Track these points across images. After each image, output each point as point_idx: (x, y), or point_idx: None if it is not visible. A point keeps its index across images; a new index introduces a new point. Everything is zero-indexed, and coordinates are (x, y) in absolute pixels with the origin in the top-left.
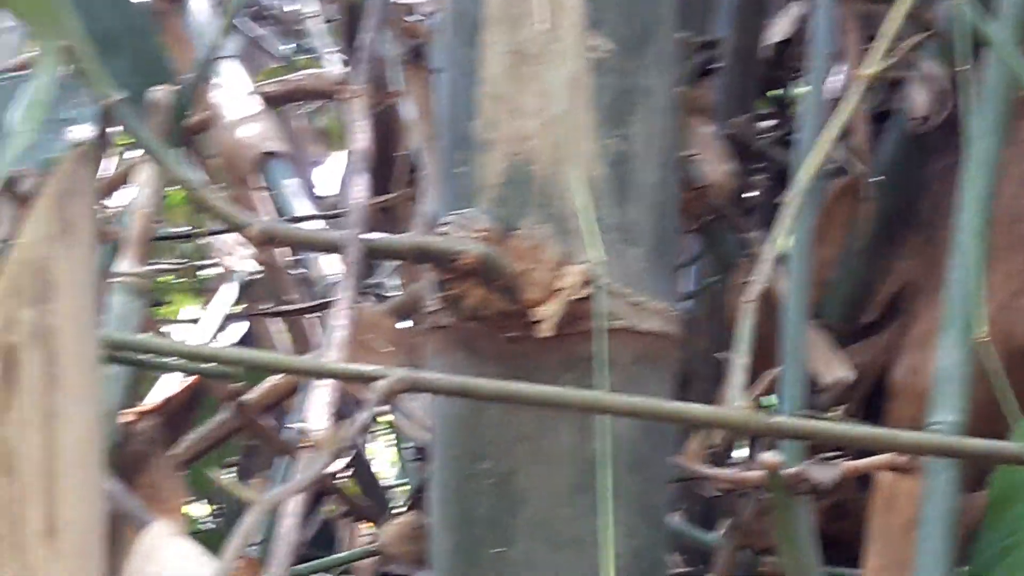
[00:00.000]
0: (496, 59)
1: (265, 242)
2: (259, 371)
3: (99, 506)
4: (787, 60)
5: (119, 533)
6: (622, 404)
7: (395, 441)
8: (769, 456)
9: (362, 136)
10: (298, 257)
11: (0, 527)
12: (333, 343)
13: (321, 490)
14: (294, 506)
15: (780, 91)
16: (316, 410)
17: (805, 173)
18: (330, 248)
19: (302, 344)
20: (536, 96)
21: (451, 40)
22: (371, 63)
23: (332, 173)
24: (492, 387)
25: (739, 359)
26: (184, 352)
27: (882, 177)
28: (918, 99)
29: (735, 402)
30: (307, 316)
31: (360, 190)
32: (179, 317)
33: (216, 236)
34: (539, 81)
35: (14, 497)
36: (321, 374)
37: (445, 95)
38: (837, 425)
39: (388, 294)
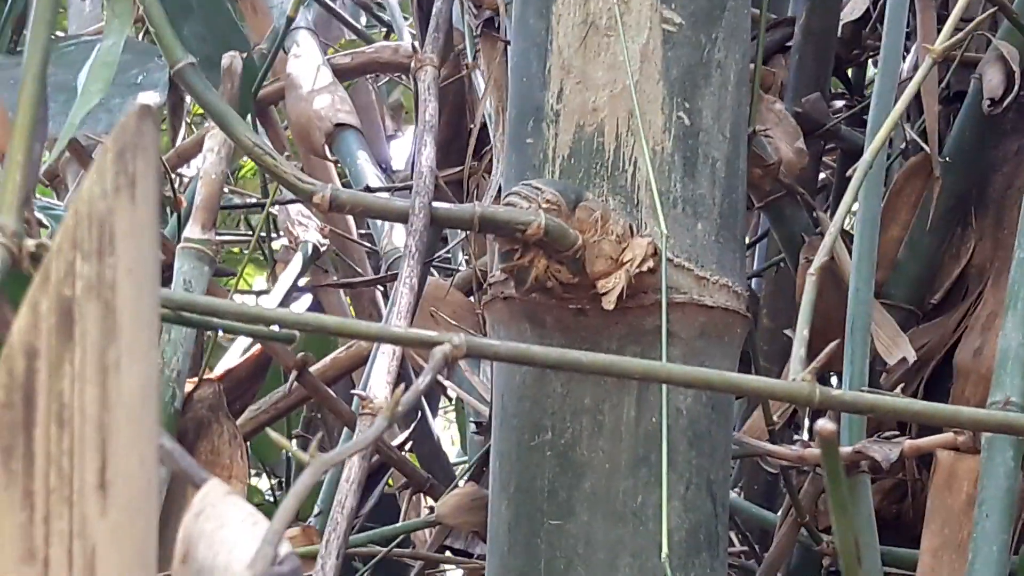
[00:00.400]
0: (567, 31)
1: (331, 208)
2: (321, 334)
3: (154, 462)
4: (861, 39)
5: (178, 493)
6: (680, 374)
7: (457, 417)
8: (823, 424)
9: (432, 106)
10: (366, 231)
11: (51, 479)
12: (397, 311)
13: (383, 462)
14: (352, 473)
15: (853, 70)
16: (377, 377)
17: (872, 149)
18: (395, 216)
19: (367, 318)
20: (606, 68)
21: (523, 12)
22: (444, 34)
23: (405, 148)
24: (551, 355)
25: (800, 331)
26: (247, 315)
27: (953, 157)
28: (991, 79)
29: (795, 375)
30: (373, 288)
31: (427, 160)
32: (247, 288)
33: (284, 207)
34: (609, 53)
35: (66, 450)
36: (382, 338)
37: (516, 66)
38: (897, 399)
39: (456, 268)
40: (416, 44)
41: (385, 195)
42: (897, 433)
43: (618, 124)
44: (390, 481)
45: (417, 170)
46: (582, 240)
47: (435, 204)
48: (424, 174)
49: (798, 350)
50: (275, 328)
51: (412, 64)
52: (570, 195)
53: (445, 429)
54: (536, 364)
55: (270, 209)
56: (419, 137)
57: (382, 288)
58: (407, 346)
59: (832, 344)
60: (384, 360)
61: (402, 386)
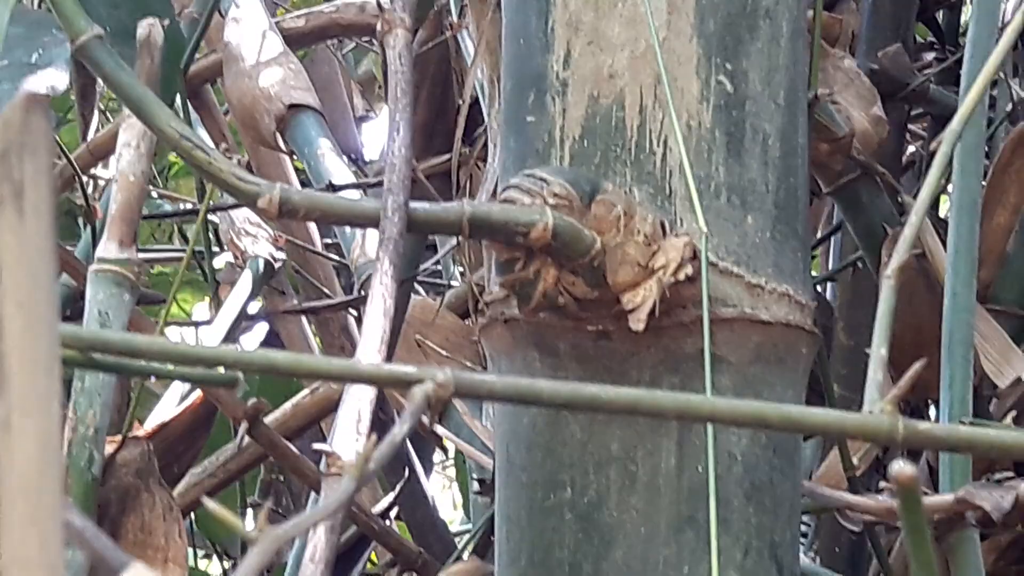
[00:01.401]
0: None
1: (282, 214)
2: (270, 374)
3: (58, 546)
4: None
5: None
6: (726, 409)
7: (458, 475)
8: (900, 466)
9: (404, 79)
10: (333, 240)
11: None
12: (369, 342)
13: (363, 534)
14: (318, 551)
15: (944, 13)
16: (345, 427)
17: (963, 111)
18: (364, 220)
19: (338, 351)
20: (625, 23)
21: None
22: None
23: (381, 132)
24: (561, 391)
25: (877, 349)
26: (174, 354)
27: None
28: None
29: (872, 405)
30: (345, 314)
31: (403, 148)
32: (184, 318)
33: (227, 213)
34: (627, 3)
35: None
36: (346, 377)
37: (511, 24)
38: (1004, 431)
39: (447, 284)
40: (382, 2)
41: (353, 194)
42: (1012, 475)
43: (642, 94)
44: (373, 558)
45: (389, 161)
46: (601, 243)
47: (413, 204)
48: (397, 166)
49: (875, 374)
50: (216, 369)
51: (379, 27)
52: (584, 186)
53: (445, 489)
54: (542, 404)
55: (208, 217)
56: (391, 119)
57: (355, 313)
58: (379, 385)
59: (917, 364)
60: (353, 405)
61: (373, 438)
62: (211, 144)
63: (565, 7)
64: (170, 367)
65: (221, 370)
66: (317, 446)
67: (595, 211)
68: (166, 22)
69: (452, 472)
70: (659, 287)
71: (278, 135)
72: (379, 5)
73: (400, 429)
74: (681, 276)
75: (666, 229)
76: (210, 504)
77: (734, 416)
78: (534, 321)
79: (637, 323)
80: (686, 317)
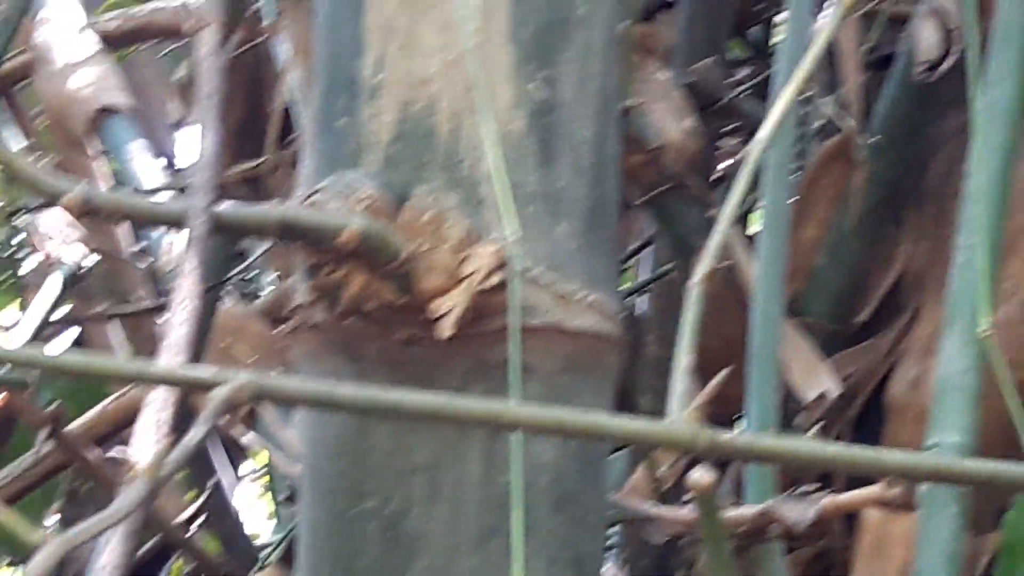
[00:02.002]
0: None
1: (85, 213)
2: (61, 374)
3: None
4: None
5: None
6: (529, 417)
7: (270, 484)
8: (699, 474)
9: (215, 78)
10: (142, 245)
11: None
12: (171, 344)
13: (167, 543)
14: (112, 558)
15: (758, 29)
16: (144, 433)
17: (772, 121)
18: (169, 221)
19: (148, 357)
20: (438, 27)
21: None
22: None
23: (193, 136)
24: (361, 396)
25: (681, 359)
26: None
27: (881, 137)
28: (925, 39)
29: (677, 414)
30: (154, 321)
31: (211, 148)
32: None
33: (35, 214)
34: (442, 7)
35: None
36: (142, 379)
37: (324, 27)
38: (804, 442)
39: (259, 291)
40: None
41: (161, 196)
42: (817, 487)
43: (455, 99)
44: (177, 568)
45: (196, 161)
46: (410, 249)
47: (222, 205)
48: (205, 166)
49: (679, 383)
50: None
51: (190, 25)
52: (394, 192)
53: (261, 497)
54: (343, 408)
55: (14, 218)
56: (200, 119)
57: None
58: (176, 387)
59: (721, 374)
60: (152, 410)
61: (168, 442)
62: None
63: (379, 10)
64: None
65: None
66: (113, 452)
67: (405, 217)
68: None
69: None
70: (468, 294)
71: (90, 137)
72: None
73: (196, 432)
74: (490, 284)
75: (476, 236)
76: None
77: (538, 423)
78: (342, 327)
79: (445, 330)
80: (495, 325)
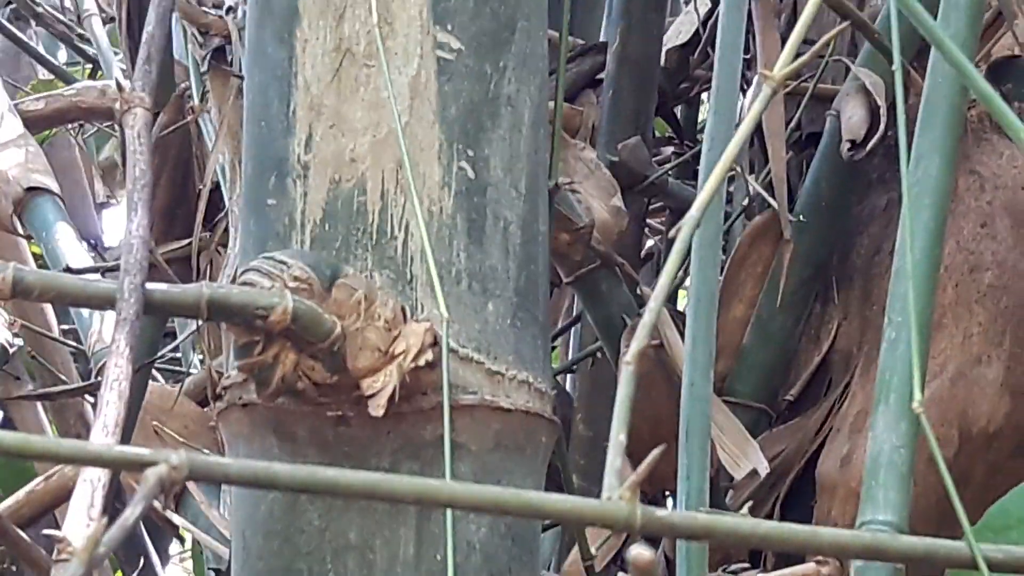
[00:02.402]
0: (316, 60)
1: (14, 294)
2: (3, 454)
3: None
4: (690, 68)
5: None
6: (465, 495)
7: (195, 567)
8: (638, 551)
9: (143, 159)
10: (70, 327)
11: None
12: (103, 424)
13: None
14: None
15: (682, 108)
16: (77, 512)
17: (701, 200)
18: (99, 302)
19: (73, 439)
20: (367, 107)
21: (258, 37)
22: (158, 66)
23: (121, 219)
24: (298, 474)
25: (616, 436)
26: None
27: (806, 215)
28: (851, 117)
29: (612, 492)
30: (81, 401)
31: (140, 228)
32: None
33: None
34: (371, 88)
35: None
36: (76, 459)
37: (253, 106)
38: (739, 520)
39: (187, 371)
40: (122, 82)
41: (92, 278)
42: (746, 566)
43: (384, 178)
44: None
45: (126, 242)
46: (341, 328)
47: (150, 285)
48: (135, 247)
49: (613, 460)
50: None
51: (117, 106)
52: (324, 270)
53: None
54: (280, 487)
55: None
56: (129, 199)
57: (92, 399)
58: (111, 468)
59: (656, 451)
60: (86, 489)
61: (103, 521)
62: None
63: (307, 90)
64: None
65: None
66: (48, 531)
67: (335, 295)
68: None
69: (190, 564)
70: (399, 373)
71: (15, 218)
72: (118, 85)
73: (132, 511)
74: (421, 362)
75: (407, 314)
76: None
77: (473, 501)
78: (273, 406)
79: (377, 409)
80: (426, 403)
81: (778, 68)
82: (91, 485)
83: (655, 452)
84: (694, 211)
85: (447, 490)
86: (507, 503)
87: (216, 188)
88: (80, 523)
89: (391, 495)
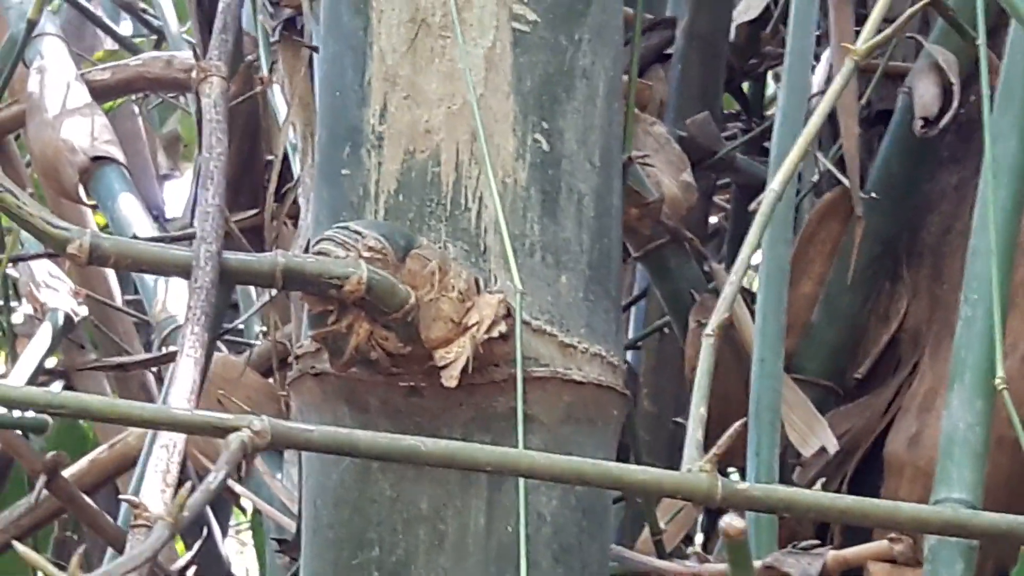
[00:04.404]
0: (391, 31)
1: (91, 261)
2: (82, 418)
3: None
4: (759, 45)
5: None
6: (545, 464)
7: (254, 537)
8: (731, 520)
9: (220, 127)
10: (133, 297)
11: None
12: (179, 391)
13: None
14: None
15: (751, 84)
16: (152, 479)
17: (776, 181)
18: (175, 270)
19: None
20: (442, 78)
21: (334, 7)
22: (234, 35)
23: (183, 191)
24: (379, 442)
25: (697, 409)
26: None
27: (877, 193)
28: (924, 94)
29: (691, 464)
30: (144, 372)
31: (217, 196)
32: None
33: (27, 264)
34: (446, 59)
35: None
36: (159, 423)
37: (327, 77)
38: (819, 494)
39: (249, 343)
40: (198, 51)
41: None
42: (817, 543)
43: (458, 150)
44: None
45: (202, 210)
46: (415, 298)
47: (226, 254)
48: (211, 215)
49: (694, 432)
50: (19, 413)
51: (194, 75)
52: (399, 240)
53: (239, 554)
54: (361, 454)
55: (8, 270)
56: (205, 167)
57: (155, 371)
58: (193, 433)
59: (736, 425)
60: (162, 456)
61: (188, 485)
62: None
63: (382, 60)
64: None
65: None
66: (123, 497)
67: (409, 266)
68: None
69: (246, 537)
70: (472, 344)
71: (81, 187)
72: (195, 53)
73: (217, 477)
74: (494, 333)
75: (480, 286)
76: (22, 549)
77: (552, 471)
78: (345, 376)
79: (449, 380)
80: (498, 375)
81: (861, 42)
82: (167, 451)
83: (735, 425)
84: (776, 184)
85: (526, 459)
86: (586, 473)
87: (284, 160)
88: (156, 489)
89: (471, 463)
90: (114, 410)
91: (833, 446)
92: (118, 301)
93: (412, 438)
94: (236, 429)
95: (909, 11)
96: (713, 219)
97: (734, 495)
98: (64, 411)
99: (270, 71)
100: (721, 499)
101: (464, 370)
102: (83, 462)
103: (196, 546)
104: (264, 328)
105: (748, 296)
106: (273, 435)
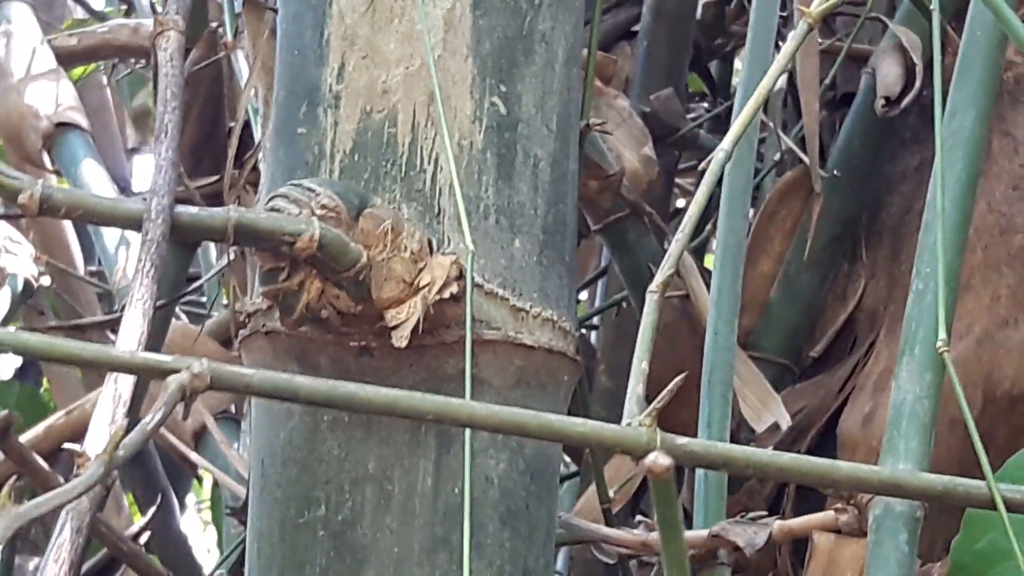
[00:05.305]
0: None
1: (42, 212)
2: (23, 355)
3: None
4: (725, 24)
5: None
6: (485, 415)
7: (213, 512)
8: (655, 458)
9: (175, 82)
10: (97, 268)
11: None
12: (126, 336)
13: (112, 557)
14: (63, 553)
15: (717, 64)
16: (98, 426)
17: (726, 140)
18: (126, 221)
19: (96, 377)
20: (400, 39)
21: None
22: (194, 1)
23: (151, 166)
24: (319, 388)
25: (639, 363)
26: None
27: (838, 172)
28: (887, 74)
29: (632, 418)
30: (103, 336)
31: (170, 151)
32: None
33: None
34: (405, 20)
35: None
36: (101, 364)
37: (286, 35)
38: (757, 451)
39: (208, 313)
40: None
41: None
42: (766, 513)
43: (415, 111)
44: None
45: (156, 163)
46: (367, 257)
47: (178, 208)
48: (164, 168)
49: (635, 387)
50: None
51: (152, 28)
52: (352, 199)
53: (202, 532)
54: (300, 400)
55: None
56: (159, 121)
57: (114, 335)
58: (133, 373)
59: (677, 379)
60: (107, 406)
61: (123, 424)
62: None
63: (341, 20)
64: None
65: None
66: (67, 446)
67: (363, 225)
68: None
69: (207, 516)
70: (423, 305)
71: (44, 153)
72: (152, 8)
73: (153, 417)
74: (446, 295)
75: (433, 247)
76: None
77: (492, 422)
78: (296, 334)
79: (400, 340)
80: (449, 337)
81: (815, 4)
82: (112, 401)
83: (676, 379)
84: (725, 144)
85: (467, 409)
86: (527, 425)
87: (246, 126)
88: (100, 439)
89: (411, 412)
90: (54, 349)
91: (786, 422)
92: (80, 271)
93: (353, 384)
94: (176, 371)
95: None
96: (680, 203)
97: (673, 449)
98: (4, 348)
99: (234, 37)
100: (659, 452)
101: (415, 331)
102: (39, 428)
103: (150, 513)
104: (224, 299)
105: (706, 275)
106: (213, 378)
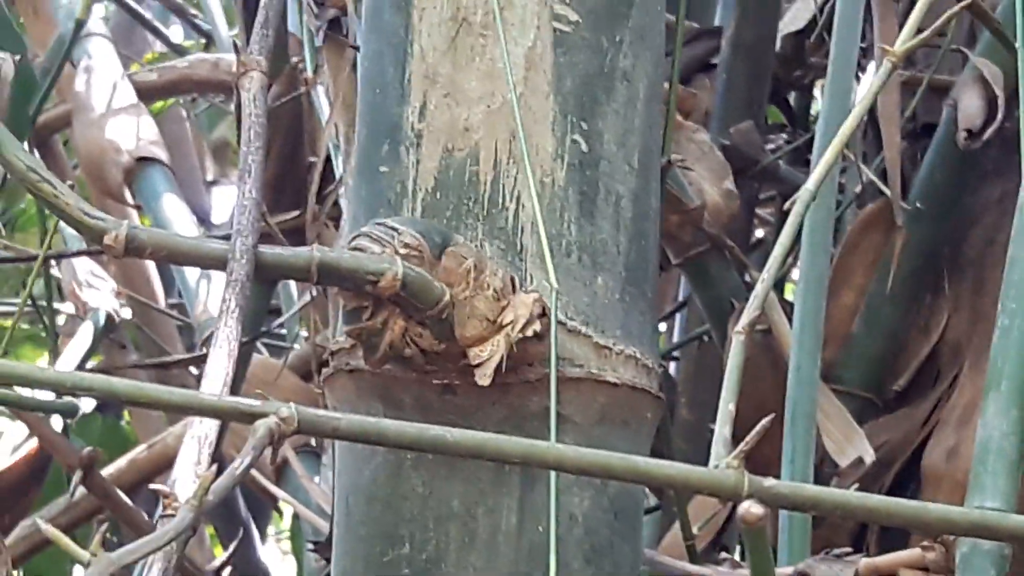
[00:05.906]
0: (432, 29)
1: (127, 252)
2: (110, 399)
3: None
4: (805, 56)
5: None
6: (573, 458)
7: (292, 544)
8: (749, 507)
9: (259, 121)
10: (177, 301)
11: None
12: (212, 379)
13: None
14: None
15: (796, 95)
16: (184, 468)
17: (811, 180)
18: (211, 262)
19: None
20: (482, 77)
21: (376, 4)
22: (274, 31)
23: (230, 198)
24: (407, 431)
25: (725, 405)
26: (15, 376)
27: (920, 205)
28: (968, 106)
29: (720, 460)
30: (185, 372)
31: (253, 191)
32: None
33: (69, 262)
34: (486, 58)
35: None
36: (188, 409)
37: (367, 74)
38: (848, 493)
39: (290, 346)
40: (240, 48)
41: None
42: (850, 551)
43: (497, 149)
44: None
45: (239, 203)
46: (450, 296)
47: (262, 247)
48: (248, 208)
49: (722, 429)
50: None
51: (234, 69)
52: (435, 238)
53: (281, 562)
54: (389, 443)
55: (51, 270)
56: (243, 161)
57: (197, 371)
58: (221, 418)
59: (764, 421)
60: (193, 447)
61: (212, 468)
62: None
63: (423, 59)
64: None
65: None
66: (154, 486)
67: (445, 263)
68: (17, 58)
69: (287, 546)
70: (507, 343)
71: (126, 187)
72: (235, 48)
73: (241, 462)
74: (529, 332)
75: (516, 285)
76: (50, 530)
77: (580, 464)
78: (379, 373)
79: (483, 378)
80: (532, 375)
81: (899, 43)
82: (198, 443)
83: (763, 422)
84: (810, 184)
85: (554, 452)
86: (614, 467)
87: (326, 161)
88: (187, 480)
89: (498, 455)
90: (142, 393)
91: (869, 456)
92: (161, 304)
93: (440, 428)
94: (263, 416)
95: (951, 11)
96: (759, 233)
97: (761, 491)
98: (92, 393)
99: (315, 72)
100: (747, 495)
101: (498, 369)
102: (121, 462)
103: (232, 547)
104: (303, 333)
105: (789, 307)
106: (300, 422)
